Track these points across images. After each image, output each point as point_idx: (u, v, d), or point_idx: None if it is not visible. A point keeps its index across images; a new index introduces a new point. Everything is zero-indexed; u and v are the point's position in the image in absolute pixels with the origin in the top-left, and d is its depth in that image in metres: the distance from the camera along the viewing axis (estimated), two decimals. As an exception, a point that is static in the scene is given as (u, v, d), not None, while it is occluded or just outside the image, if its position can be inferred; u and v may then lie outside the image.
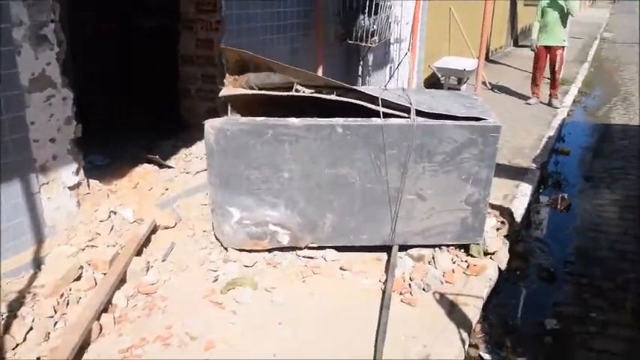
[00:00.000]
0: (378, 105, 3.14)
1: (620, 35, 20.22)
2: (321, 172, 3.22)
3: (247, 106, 3.42)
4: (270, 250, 3.40)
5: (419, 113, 3.20)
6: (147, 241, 3.47)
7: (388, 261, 3.37)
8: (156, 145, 4.45)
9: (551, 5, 7.77)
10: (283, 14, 5.06)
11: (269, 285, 3.10)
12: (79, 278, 2.99)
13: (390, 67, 7.75)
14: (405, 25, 7.60)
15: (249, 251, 3.39)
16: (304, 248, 3.41)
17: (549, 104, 8.15)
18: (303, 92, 3.22)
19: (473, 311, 2.98)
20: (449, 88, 8.63)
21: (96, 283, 2.98)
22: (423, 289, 3.12)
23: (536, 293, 3.47)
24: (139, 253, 3.32)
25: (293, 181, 3.24)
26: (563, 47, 8.01)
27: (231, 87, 3.40)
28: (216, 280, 3.16)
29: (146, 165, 4.16)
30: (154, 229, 3.59)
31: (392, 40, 7.09)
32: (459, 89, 8.77)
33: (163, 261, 3.35)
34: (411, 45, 5.39)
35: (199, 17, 4.34)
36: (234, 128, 3.15)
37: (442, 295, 3.08)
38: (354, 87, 3.33)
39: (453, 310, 2.97)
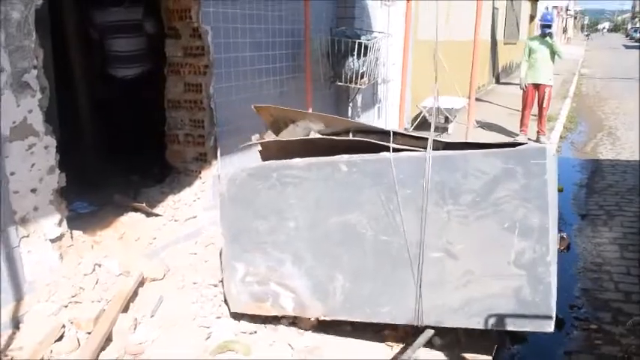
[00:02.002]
0: (393, 140, 2.80)
1: (597, 71, 20.76)
2: (327, 220, 2.82)
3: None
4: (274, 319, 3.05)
5: (438, 144, 2.76)
6: (134, 295, 3.27)
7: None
8: (142, 191, 4.30)
9: (542, 43, 7.94)
10: (272, 57, 5.02)
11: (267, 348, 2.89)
12: (60, 338, 2.78)
13: (378, 108, 7.75)
14: (391, 65, 7.64)
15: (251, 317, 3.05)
16: (312, 321, 2.98)
17: (537, 141, 8.17)
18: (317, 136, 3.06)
19: (484, 364, 2.81)
20: (437, 127, 8.63)
21: (79, 344, 2.77)
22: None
23: (545, 341, 3.31)
24: (125, 308, 3.12)
25: (299, 231, 2.88)
26: (551, 85, 8.13)
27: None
28: (209, 337, 2.95)
29: (132, 213, 3.99)
30: (141, 282, 3.40)
31: (379, 81, 7.09)
32: (447, 128, 8.81)
33: (152, 317, 3.14)
34: (402, 85, 5.39)
35: (187, 61, 4.25)
36: (244, 174, 2.92)
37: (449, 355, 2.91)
38: (375, 127, 3.11)
39: (462, 363, 2.80)
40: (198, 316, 3.15)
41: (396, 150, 2.74)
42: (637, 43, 45.54)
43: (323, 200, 2.83)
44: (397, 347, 2.90)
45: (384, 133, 3.00)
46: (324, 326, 2.99)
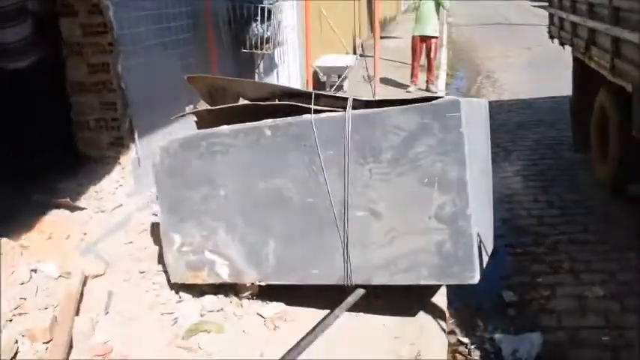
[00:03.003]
0: (318, 103, 2.80)
1: (461, 19, 22.08)
2: (256, 186, 2.80)
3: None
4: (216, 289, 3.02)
5: (359, 104, 2.75)
6: (80, 296, 3.08)
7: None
8: (59, 187, 3.97)
9: None
10: (174, 29, 4.78)
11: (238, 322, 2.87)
12: (15, 355, 2.56)
13: (277, 72, 7.71)
14: (284, 28, 7.60)
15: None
16: (250, 287, 2.96)
17: (427, 90, 8.67)
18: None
19: (441, 298, 3.04)
20: (331, 86, 8.80)
21: (38, 357, 2.57)
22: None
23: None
24: (76, 311, 2.93)
25: (229, 199, 2.87)
26: (437, 37, 8.58)
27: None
28: (176, 322, 2.88)
29: (55, 211, 3.69)
30: (83, 281, 3.20)
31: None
32: (342, 86, 9.00)
33: (107, 314, 2.98)
34: (306, 48, 5.41)
35: (88, 40, 3.93)
36: (175, 145, 2.91)
37: (408, 289, 3.09)
38: (299, 89, 3.15)
39: (423, 300, 2.99)
40: (157, 304, 3.05)
41: (317, 112, 2.74)
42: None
43: (250, 166, 2.83)
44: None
45: (308, 96, 3.02)
46: (288, 292, 3.03)
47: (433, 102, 2.57)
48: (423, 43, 8.53)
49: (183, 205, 2.99)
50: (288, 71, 8.13)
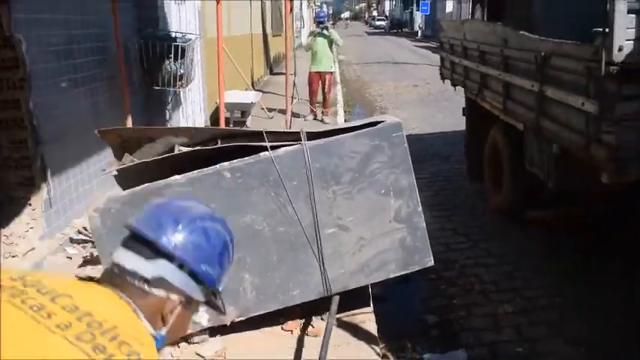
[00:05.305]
0: (265, 139, 2.91)
1: (352, 57, 23.26)
2: None
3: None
4: (190, 337, 2.93)
5: (310, 136, 2.95)
6: None
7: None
8: (-39, 232, 3.67)
9: (321, 36, 8.89)
10: (86, 65, 4.65)
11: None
12: None
13: (182, 109, 7.66)
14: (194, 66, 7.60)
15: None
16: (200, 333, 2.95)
17: (322, 121, 9.21)
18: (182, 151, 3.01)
19: (372, 325, 3.20)
20: (235, 122, 8.88)
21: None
22: (321, 318, 3.21)
23: (403, 295, 3.87)
24: (-4, 366, 2.71)
25: None
26: (332, 72, 9.17)
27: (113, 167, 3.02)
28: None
29: (-40, 258, 3.40)
30: (-1, 333, 2.96)
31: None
32: (245, 122, 9.12)
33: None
34: (219, 84, 5.48)
35: (-2, 75, 3.73)
36: (118, 204, 2.76)
37: (338, 319, 3.22)
38: (244, 129, 3.20)
39: (356, 330, 3.13)
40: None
41: (272, 148, 2.90)
42: (376, 30, 51.74)
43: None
44: (296, 330, 3.11)
45: (253, 135, 3.13)
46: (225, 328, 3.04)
47: (379, 126, 2.94)
48: (318, 77, 9.06)
49: None
50: (192, 107, 8.13)
